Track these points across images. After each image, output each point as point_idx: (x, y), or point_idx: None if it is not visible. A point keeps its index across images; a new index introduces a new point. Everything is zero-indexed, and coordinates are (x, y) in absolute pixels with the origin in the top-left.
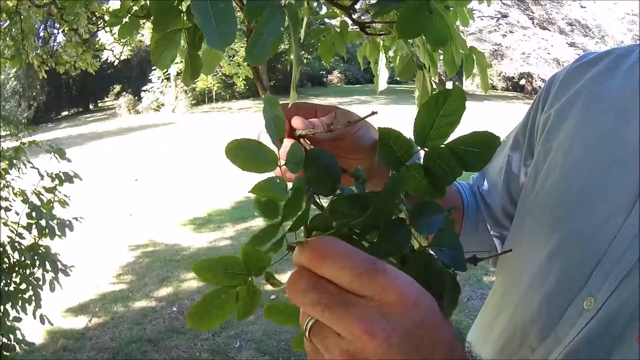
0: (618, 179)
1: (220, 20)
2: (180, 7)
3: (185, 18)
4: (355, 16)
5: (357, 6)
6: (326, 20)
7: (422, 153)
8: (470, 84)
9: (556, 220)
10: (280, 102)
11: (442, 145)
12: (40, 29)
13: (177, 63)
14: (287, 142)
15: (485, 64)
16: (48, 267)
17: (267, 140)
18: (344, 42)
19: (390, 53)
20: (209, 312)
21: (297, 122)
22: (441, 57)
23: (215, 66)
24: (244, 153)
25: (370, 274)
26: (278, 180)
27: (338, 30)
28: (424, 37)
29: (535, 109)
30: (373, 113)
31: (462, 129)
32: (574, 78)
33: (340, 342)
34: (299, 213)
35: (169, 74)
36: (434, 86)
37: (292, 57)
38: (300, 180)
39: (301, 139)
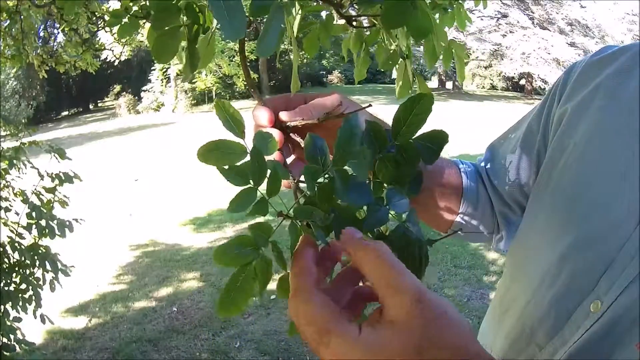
0: (632, 183)
1: (232, 15)
2: (179, 4)
3: (184, 15)
4: (342, 11)
5: (343, 1)
6: (310, 16)
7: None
8: (470, 84)
9: (570, 221)
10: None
11: (410, 140)
12: (40, 29)
13: (177, 64)
14: (272, 132)
15: (464, 55)
16: (48, 267)
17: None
18: (329, 35)
19: (373, 50)
20: (232, 298)
21: (284, 116)
22: (420, 55)
23: (210, 60)
24: (215, 153)
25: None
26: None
27: (323, 24)
28: (406, 30)
29: (551, 100)
30: (369, 105)
31: (462, 128)
32: (591, 73)
33: None
34: (270, 176)
35: (168, 74)
36: (414, 76)
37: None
38: (260, 135)
39: (291, 132)
